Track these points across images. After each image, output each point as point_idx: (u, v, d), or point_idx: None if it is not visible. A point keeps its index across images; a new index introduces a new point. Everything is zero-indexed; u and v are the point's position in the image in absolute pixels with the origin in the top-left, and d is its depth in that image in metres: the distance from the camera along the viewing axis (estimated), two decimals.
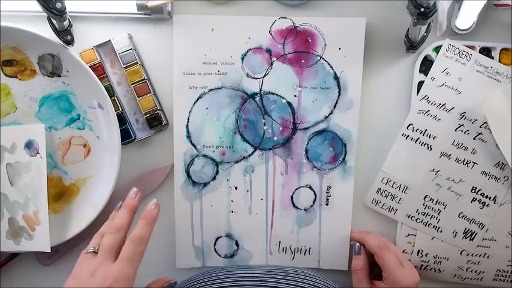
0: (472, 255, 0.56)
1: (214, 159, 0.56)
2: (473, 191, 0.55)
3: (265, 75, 0.55)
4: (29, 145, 0.53)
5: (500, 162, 0.54)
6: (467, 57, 0.53)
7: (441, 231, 0.56)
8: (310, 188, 0.56)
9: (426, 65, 0.55)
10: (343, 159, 0.55)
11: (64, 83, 0.54)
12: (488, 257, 0.56)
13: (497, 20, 0.54)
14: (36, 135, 0.52)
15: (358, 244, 0.54)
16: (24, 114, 0.54)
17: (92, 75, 0.52)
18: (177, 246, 0.57)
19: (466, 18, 0.52)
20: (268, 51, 0.54)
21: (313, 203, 0.56)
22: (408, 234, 0.56)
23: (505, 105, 0.52)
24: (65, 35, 0.49)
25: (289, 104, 0.55)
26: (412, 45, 0.52)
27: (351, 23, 0.53)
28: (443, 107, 0.54)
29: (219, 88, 0.55)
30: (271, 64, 0.54)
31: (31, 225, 0.53)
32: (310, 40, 0.54)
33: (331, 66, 0.54)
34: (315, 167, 0.56)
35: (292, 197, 0.56)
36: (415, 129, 0.54)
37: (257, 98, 0.55)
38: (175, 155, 0.56)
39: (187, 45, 0.54)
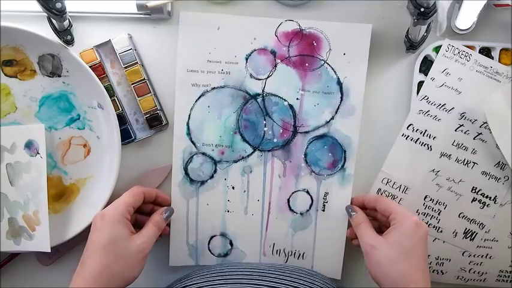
0: (474, 256, 0.56)
1: (213, 158, 0.56)
2: (474, 191, 0.55)
3: (268, 77, 0.54)
4: (29, 145, 0.53)
5: (500, 162, 0.54)
6: (467, 57, 0.53)
7: (441, 232, 0.56)
8: (307, 192, 0.56)
9: (426, 65, 0.54)
10: (342, 166, 0.55)
11: (64, 83, 0.54)
12: (490, 257, 0.56)
13: (497, 20, 0.54)
14: (36, 135, 0.52)
15: (349, 205, 0.55)
16: (24, 114, 0.54)
17: (92, 75, 0.52)
18: (171, 244, 0.57)
19: (466, 18, 0.52)
20: (273, 52, 0.54)
21: (310, 208, 0.56)
22: None
23: (505, 105, 0.52)
24: (65, 35, 0.50)
25: (291, 106, 0.55)
26: (412, 45, 0.52)
27: (357, 28, 0.53)
28: (443, 107, 0.54)
29: (222, 87, 0.55)
30: (275, 66, 0.54)
31: (31, 225, 0.53)
32: (315, 44, 0.54)
33: (334, 71, 0.54)
34: (313, 172, 0.55)
35: (288, 200, 0.56)
36: (415, 130, 0.54)
37: (259, 99, 0.55)
38: (175, 151, 0.55)
39: (192, 43, 0.54)
